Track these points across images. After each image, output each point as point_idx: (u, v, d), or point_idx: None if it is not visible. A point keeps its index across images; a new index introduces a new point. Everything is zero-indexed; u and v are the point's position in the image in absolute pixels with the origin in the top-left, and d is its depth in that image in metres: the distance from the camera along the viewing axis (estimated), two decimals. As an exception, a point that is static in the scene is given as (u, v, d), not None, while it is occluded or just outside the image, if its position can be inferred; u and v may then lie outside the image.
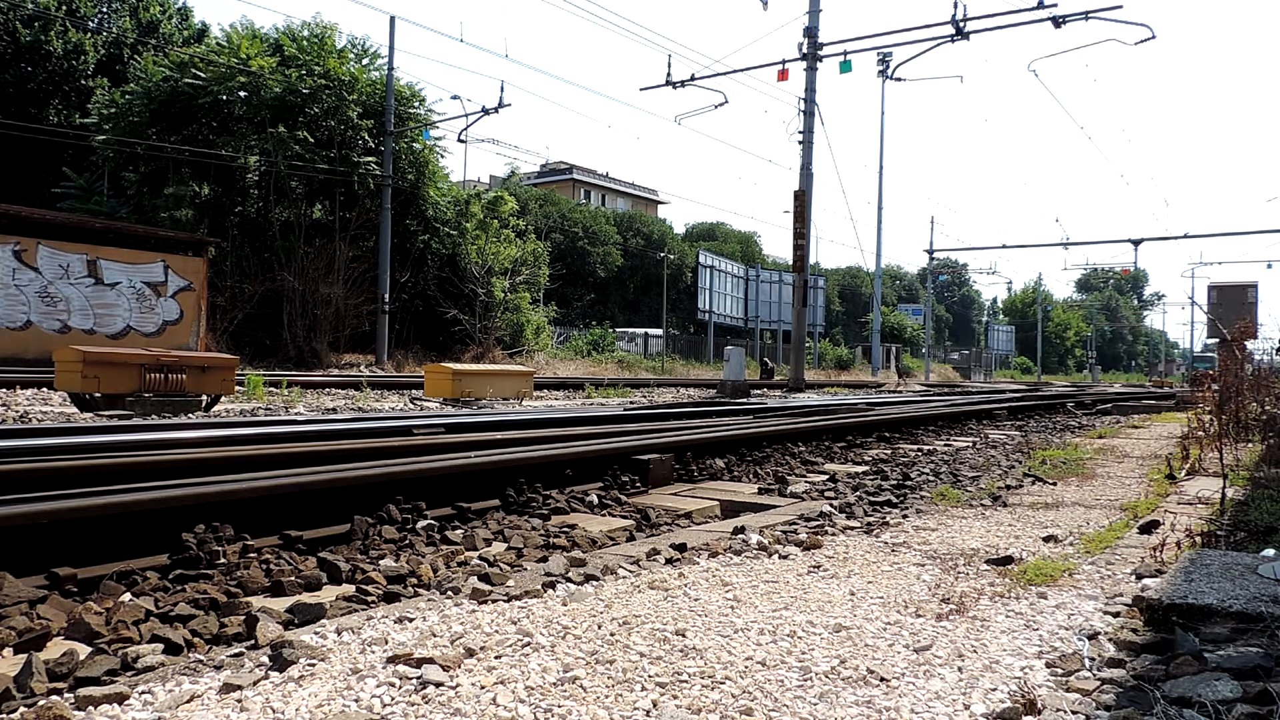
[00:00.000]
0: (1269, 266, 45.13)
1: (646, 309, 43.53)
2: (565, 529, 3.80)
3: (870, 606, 2.44)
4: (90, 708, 1.65)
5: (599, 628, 2.16)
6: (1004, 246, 40.93)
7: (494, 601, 2.40)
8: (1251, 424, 7.35)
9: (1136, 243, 35.98)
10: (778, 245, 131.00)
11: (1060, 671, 1.91)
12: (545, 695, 1.73)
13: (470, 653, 1.96)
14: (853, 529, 3.69)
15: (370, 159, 24.54)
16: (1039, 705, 1.71)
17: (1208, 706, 1.62)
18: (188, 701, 1.68)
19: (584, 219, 41.91)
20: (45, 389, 10.99)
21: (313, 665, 1.87)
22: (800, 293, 21.11)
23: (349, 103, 24.39)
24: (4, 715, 1.69)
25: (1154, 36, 17.90)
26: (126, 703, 1.68)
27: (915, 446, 8.10)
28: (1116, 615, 2.35)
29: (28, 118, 25.27)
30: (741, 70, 21.74)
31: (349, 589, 2.81)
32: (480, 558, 3.27)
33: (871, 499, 4.61)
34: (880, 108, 39.73)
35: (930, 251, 46.20)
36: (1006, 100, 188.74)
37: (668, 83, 21.76)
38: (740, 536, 3.38)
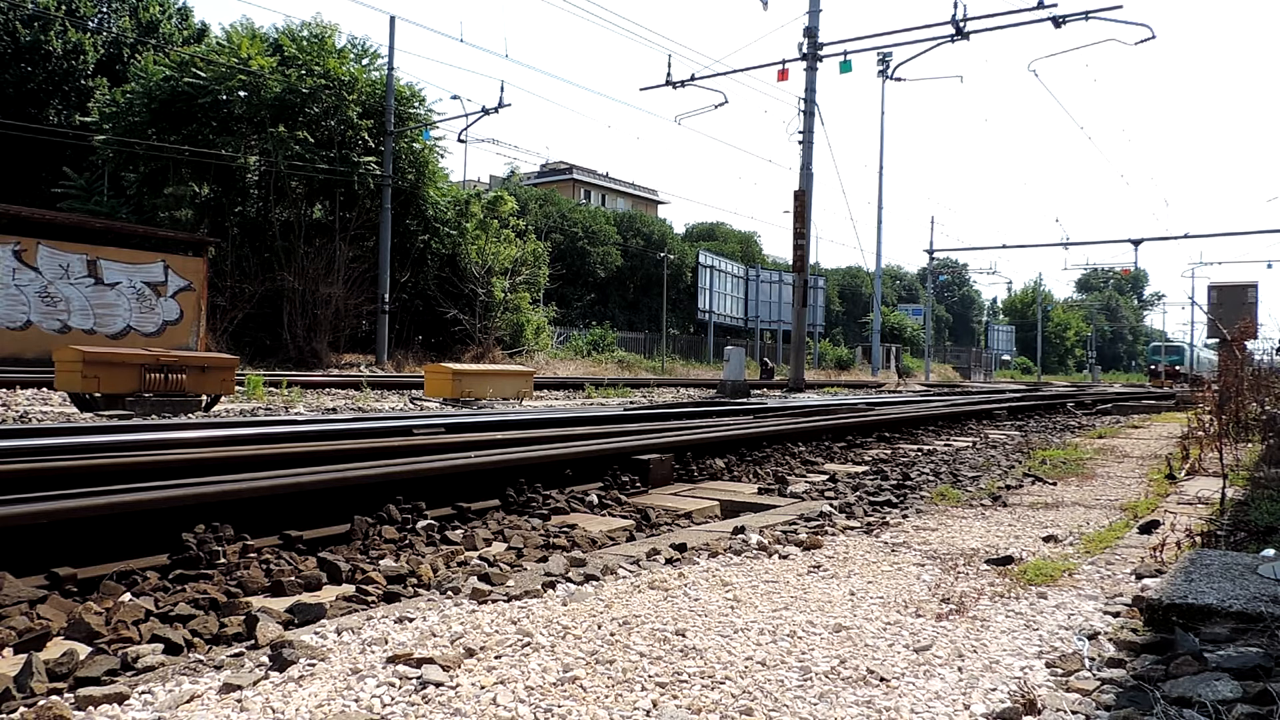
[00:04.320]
0: (1269, 266, 45.11)
1: (646, 309, 43.50)
2: (565, 529, 3.80)
3: (870, 606, 2.44)
4: (90, 708, 1.65)
5: (599, 628, 2.16)
6: (1004, 246, 40.95)
7: (494, 601, 2.40)
8: (1251, 424, 7.35)
9: (1136, 243, 35.97)
10: (778, 245, 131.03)
11: (1060, 671, 1.91)
12: (545, 695, 1.73)
13: (470, 653, 1.96)
14: (853, 529, 3.69)
15: (370, 159, 24.53)
16: (1039, 705, 1.71)
17: (1208, 706, 1.62)
18: (188, 701, 1.68)
19: (584, 219, 41.88)
20: (45, 389, 10.99)
21: (313, 665, 1.87)
22: (800, 293, 21.10)
23: (349, 103, 24.38)
24: (4, 715, 1.69)
25: (1154, 36, 17.90)
26: (126, 703, 1.68)
27: (915, 446, 8.10)
28: (1116, 615, 2.35)
29: (28, 118, 25.27)
30: (741, 70, 21.75)
31: (349, 589, 2.81)
32: (480, 558, 3.27)
33: (871, 499, 4.61)
34: (880, 108, 39.71)
35: (930, 251, 46.21)
36: (1006, 100, 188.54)
37: (668, 83, 21.75)
38: (740, 536, 3.38)
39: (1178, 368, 53.98)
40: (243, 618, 2.37)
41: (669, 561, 2.99)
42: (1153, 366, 56.03)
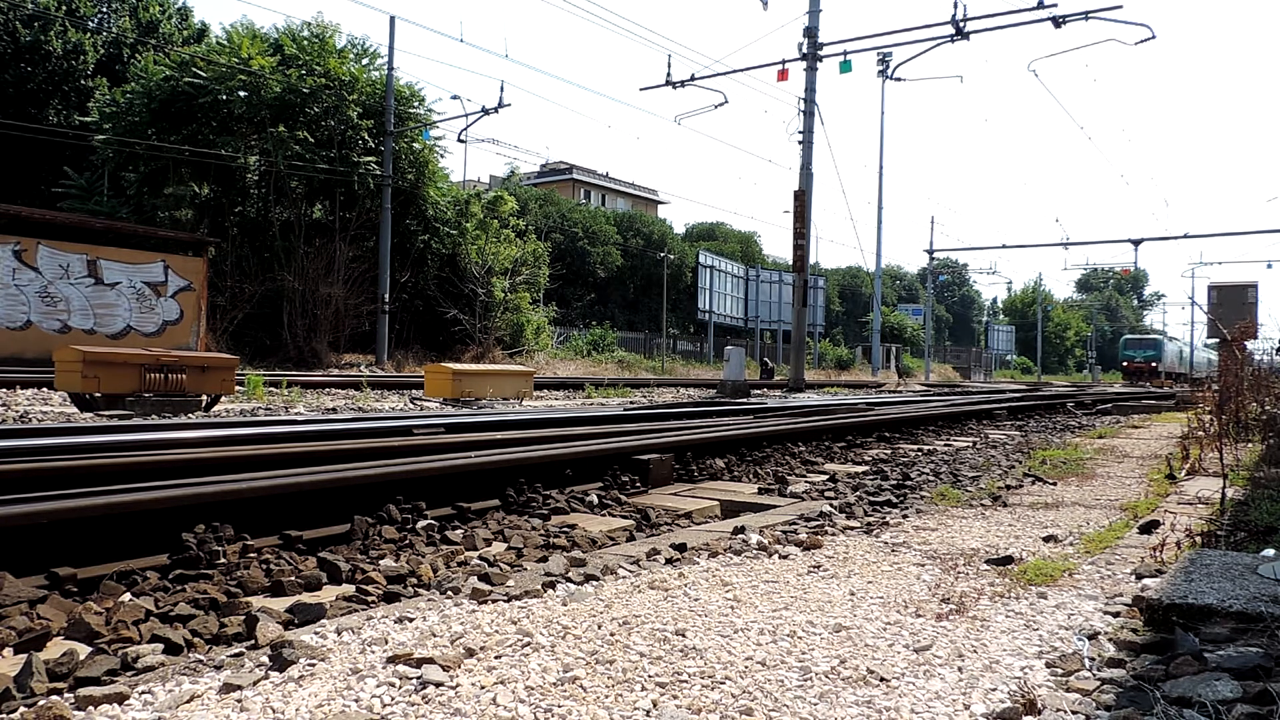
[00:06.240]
0: (1269, 266, 45.05)
1: (646, 309, 43.49)
2: (565, 529, 3.80)
3: (870, 606, 2.44)
4: (90, 708, 1.65)
5: (599, 628, 2.16)
6: (1004, 246, 40.93)
7: (494, 601, 2.40)
8: (1251, 424, 7.35)
9: (1136, 243, 35.97)
10: (778, 245, 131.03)
11: (1060, 671, 1.91)
12: (545, 695, 1.73)
13: (470, 653, 1.96)
14: (853, 529, 3.69)
15: (370, 159, 24.53)
16: (1039, 705, 1.71)
17: (1208, 706, 1.62)
18: (188, 701, 1.68)
19: (584, 219, 41.87)
20: (45, 389, 10.99)
21: (313, 665, 1.87)
22: (800, 293, 21.10)
23: (349, 103, 24.38)
24: (4, 715, 1.69)
25: (1154, 36, 17.90)
26: (126, 703, 1.68)
27: (915, 446, 8.09)
28: (1116, 615, 2.35)
29: (28, 118, 25.27)
30: (741, 70, 21.75)
31: (349, 589, 2.81)
32: (480, 558, 3.27)
33: (871, 499, 4.61)
34: (880, 108, 39.69)
35: (930, 251, 46.20)
36: (1006, 100, 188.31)
37: (668, 83, 21.75)
38: (740, 536, 3.38)
39: (1154, 364, 50.75)
40: (243, 618, 2.37)
41: (669, 561, 2.99)
42: (1125, 363, 52.34)
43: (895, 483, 5.32)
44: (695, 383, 24.01)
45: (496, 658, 1.94)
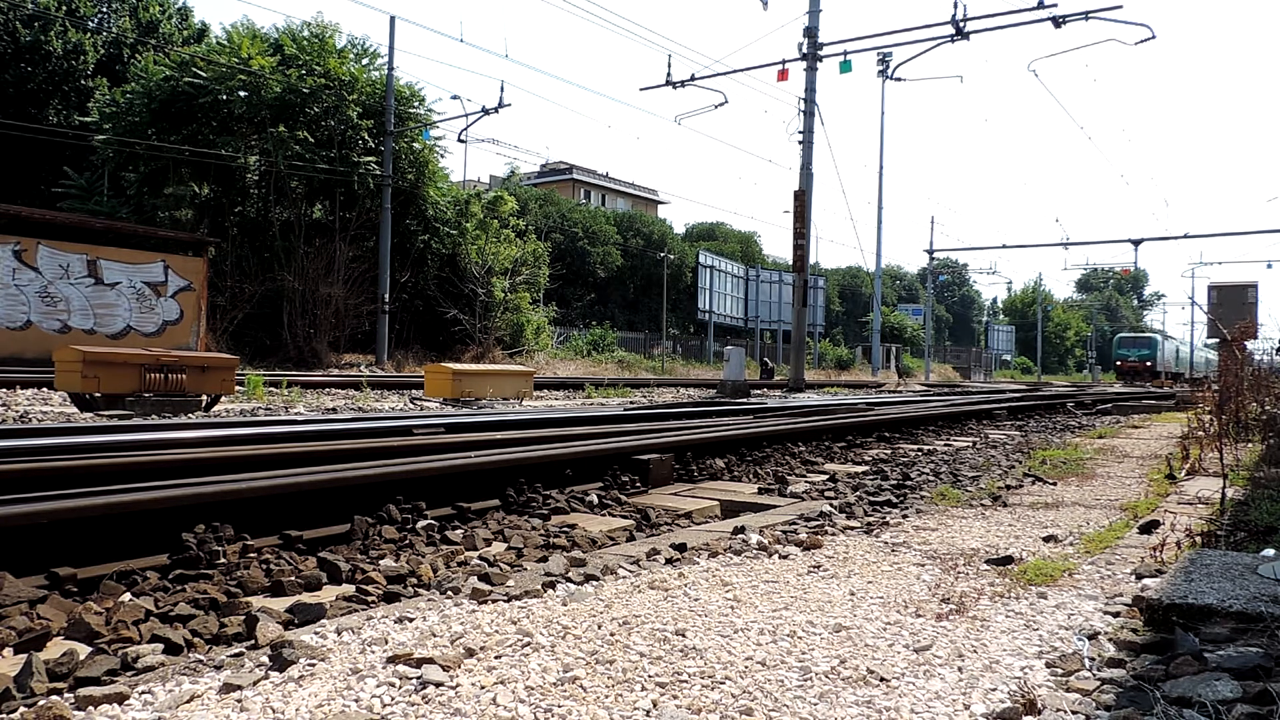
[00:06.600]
0: (1269, 266, 45.01)
1: (646, 309, 43.50)
2: (565, 529, 3.80)
3: (870, 606, 2.44)
4: (90, 708, 1.65)
5: (599, 628, 2.16)
6: (1004, 246, 40.93)
7: (494, 601, 2.40)
8: (1251, 424, 7.35)
9: (1136, 243, 35.97)
10: (778, 245, 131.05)
11: (1060, 671, 1.91)
12: (545, 695, 1.73)
13: (470, 653, 1.96)
14: (853, 529, 3.69)
15: (370, 159, 24.53)
16: (1039, 705, 1.71)
17: (1208, 706, 1.62)
18: (188, 701, 1.68)
19: (584, 219, 41.88)
20: (45, 389, 10.99)
21: (313, 665, 1.87)
22: (800, 293, 21.10)
23: (349, 102, 24.38)
24: (4, 715, 1.69)
25: (1154, 36, 17.90)
26: (126, 703, 1.68)
27: (915, 446, 8.09)
28: (1116, 615, 2.35)
29: (28, 118, 25.27)
30: (741, 70, 21.75)
31: (349, 589, 2.81)
32: (480, 558, 3.27)
33: (871, 499, 4.61)
34: (880, 108, 39.68)
35: (930, 251, 46.19)
36: (1006, 100, 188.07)
37: (668, 83, 21.75)
38: (740, 536, 3.38)
39: (1149, 363, 50.38)
40: (243, 618, 2.37)
41: (669, 561, 2.99)
42: (1119, 363, 51.54)
43: (895, 483, 5.32)
44: (695, 383, 24.01)
45: (496, 658, 1.94)
